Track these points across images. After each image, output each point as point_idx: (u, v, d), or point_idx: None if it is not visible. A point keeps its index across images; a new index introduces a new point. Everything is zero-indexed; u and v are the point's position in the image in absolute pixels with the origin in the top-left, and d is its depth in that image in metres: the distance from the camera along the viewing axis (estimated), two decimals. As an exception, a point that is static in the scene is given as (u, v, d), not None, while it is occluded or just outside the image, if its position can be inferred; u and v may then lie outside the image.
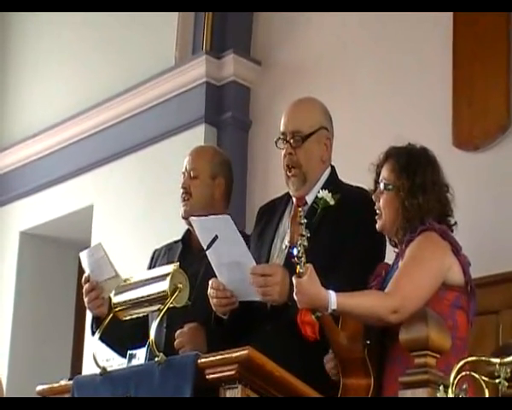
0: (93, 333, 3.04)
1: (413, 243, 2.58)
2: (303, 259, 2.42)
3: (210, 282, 2.80)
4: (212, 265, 2.77)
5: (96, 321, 3.03)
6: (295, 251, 2.41)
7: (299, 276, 2.43)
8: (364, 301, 2.48)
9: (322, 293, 2.43)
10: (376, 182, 2.74)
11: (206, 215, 2.88)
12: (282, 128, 2.96)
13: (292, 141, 2.91)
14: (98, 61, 5.28)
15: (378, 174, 2.74)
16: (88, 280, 3.00)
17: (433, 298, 2.52)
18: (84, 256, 3.01)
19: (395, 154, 2.71)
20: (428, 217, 2.61)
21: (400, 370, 2.38)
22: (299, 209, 2.47)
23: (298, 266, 2.43)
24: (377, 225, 2.70)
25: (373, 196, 2.72)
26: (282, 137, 2.95)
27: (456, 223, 2.70)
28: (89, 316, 3.24)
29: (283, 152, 2.94)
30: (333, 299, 2.43)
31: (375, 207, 2.71)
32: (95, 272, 2.98)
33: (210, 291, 2.79)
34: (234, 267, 2.72)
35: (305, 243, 2.41)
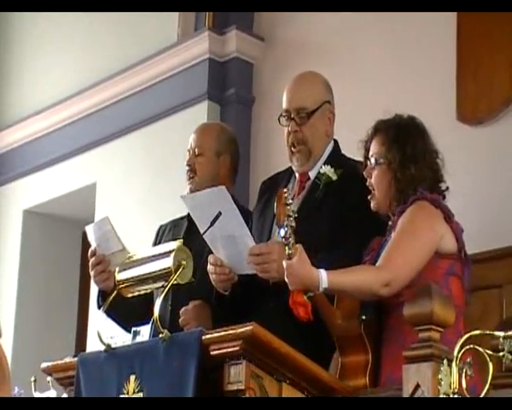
0: (99, 307, 3.05)
1: (405, 214, 2.57)
2: (291, 240, 2.40)
3: (208, 258, 2.80)
4: (207, 241, 2.76)
5: (103, 295, 3.03)
6: (282, 232, 2.40)
7: (289, 257, 2.42)
8: (356, 277, 2.47)
9: (312, 273, 2.42)
10: (366, 158, 2.72)
11: None
12: (285, 105, 2.94)
13: (297, 118, 2.89)
14: (100, 38, 5.26)
15: (367, 150, 2.71)
16: (94, 253, 3.00)
17: (427, 267, 2.51)
18: (90, 230, 3.00)
19: (384, 127, 2.69)
20: (421, 186, 2.60)
21: (398, 343, 2.38)
22: (285, 190, 2.46)
23: (286, 248, 2.41)
24: (372, 206, 2.68)
25: (364, 173, 2.70)
26: (285, 114, 2.92)
27: (447, 188, 2.68)
28: (93, 293, 3.26)
29: (287, 129, 2.92)
30: (324, 278, 2.42)
31: (368, 184, 2.68)
32: (101, 246, 2.98)
33: (209, 267, 2.80)
34: (229, 241, 2.72)
35: (293, 224, 2.39)
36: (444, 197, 2.66)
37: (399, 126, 2.66)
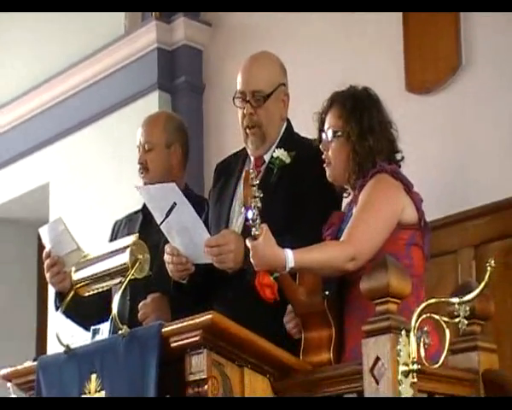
0: (57, 308, 3.03)
1: (366, 188, 2.57)
2: (258, 221, 2.38)
3: (165, 247, 2.78)
4: (164, 232, 2.76)
5: (60, 296, 3.01)
6: (250, 214, 2.37)
7: (255, 238, 2.41)
8: (321, 254, 2.47)
9: (278, 253, 2.41)
10: (321, 130, 2.70)
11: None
12: (240, 87, 2.89)
13: (252, 100, 2.86)
14: (47, 34, 5.19)
15: (323, 122, 2.70)
16: (49, 255, 2.98)
17: (389, 239, 2.51)
18: (44, 231, 2.98)
19: (340, 99, 2.67)
20: (379, 157, 2.61)
21: (360, 316, 2.39)
22: (251, 171, 2.44)
23: (253, 229, 2.40)
24: (327, 175, 2.68)
25: (320, 146, 2.70)
26: (240, 95, 2.88)
27: (403, 158, 2.68)
28: (51, 294, 3.24)
29: (242, 111, 2.89)
30: (290, 257, 2.41)
31: (324, 157, 2.68)
32: (56, 247, 2.96)
33: (166, 257, 2.78)
34: (184, 233, 2.71)
35: (259, 205, 2.37)
36: (399, 167, 2.67)
37: (355, 98, 2.65)
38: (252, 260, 2.43)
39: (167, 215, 2.73)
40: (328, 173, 2.68)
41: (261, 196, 2.38)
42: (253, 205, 2.37)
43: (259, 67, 2.92)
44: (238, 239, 2.67)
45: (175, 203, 2.72)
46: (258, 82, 2.87)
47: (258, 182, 2.40)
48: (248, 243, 2.43)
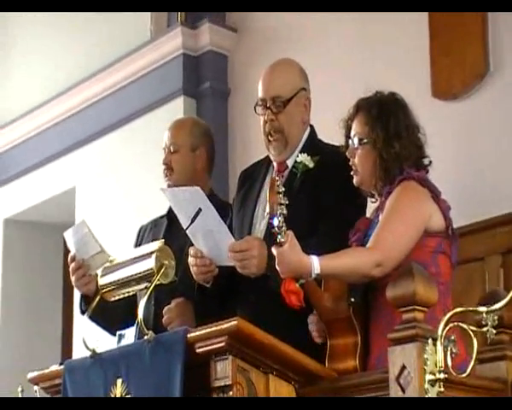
0: (82, 312, 3.04)
1: (393, 194, 2.56)
2: (283, 228, 2.38)
3: (189, 250, 2.79)
4: (189, 235, 2.76)
5: (85, 299, 3.03)
6: (276, 221, 2.37)
7: (280, 245, 2.40)
8: (347, 260, 2.46)
9: (304, 259, 2.40)
10: (348, 137, 2.70)
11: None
12: (260, 94, 2.92)
13: (273, 107, 2.87)
14: (72, 41, 5.23)
15: (349, 128, 2.69)
16: (74, 259, 2.99)
17: (415, 246, 2.50)
18: (68, 235, 3.00)
19: (365, 105, 2.66)
20: (406, 163, 2.59)
21: (385, 324, 2.38)
22: (277, 178, 2.44)
23: (279, 236, 2.39)
24: (354, 181, 2.67)
25: (347, 153, 2.69)
26: (261, 103, 2.90)
27: (431, 162, 2.67)
28: (77, 298, 3.25)
29: (263, 118, 2.90)
30: (316, 264, 2.40)
31: (351, 164, 2.67)
32: (80, 250, 2.97)
33: (189, 259, 2.79)
34: (209, 236, 2.72)
35: (285, 212, 2.37)
36: (427, 172, 2.65)
37: (381, 104, 2.64)
38: (277, 267, 2.43)
39: (193, 220, 2.74)
40: (355, 180, 2.67)
41: (287, 202, 2.38)
42: (278, 212, 2.37)
43: (278, 74, 2.93)
44: (261, 245, 2.68)
45: (200, 209, 2.73)
46: (277, 88, 2.89)
47: (283, 189, 2.40)
48: (274, 250, 2.42)
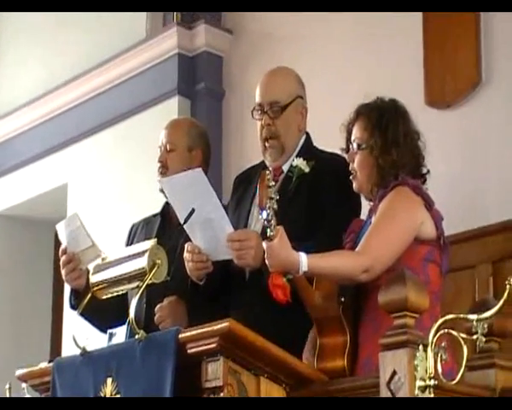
0: (71, 306, 3.03)
1: (385, 199, 2.57)
2: (273, 222, 2.39)
3: (186, 245, 2.79)
4: (186, 229, 2.75)
5: (75, 293, 3.02)
6: (264, 214, 2.39)
7: (270, 239, 2.42)
8: (335, 262, 2.47)
9: (292, 255, 2.42)
10: (348, 141, 2.72)
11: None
12: (258, 99, 2.93)
13: (270, 112, 2.88)
14: (69, 36, 5.22)
15: (350, 132, 2.71)
16: (65, 252, 2.98)
17: (406, 253, 2.51)
18: (60, 228, 2.98)
19: (365, 111, 2.68)
20: (403, 171, 2.60)
21: (374, 327, 2.39)
22: (267, 172, 2.45)
23: (268, 230, 2.41)
24: (354, 186, 2.69)
25: (346, 157, 2.71)
26: (258, 108, 2.92)
27: (429, 171, 2.68)
28: (67, 295, 3.24)
29: (260, 123, 2.91)
30: (304, 261, 2.42)
31: (350, 168, 2.69)
32: (71, 244, 2.96)
33: (186, 255, 2.79)
34: (207, 225, 2.72)
35: (275, 206, 2.38)
36: (425, 181, 2.66)
37: (381, 110, 2.66)
38: (266, 260, 2.44)
39: (186, 221, 2.74)
40: (354, 185, 2.69)
41: (277, 197, 2.40)
42: (268, 206, 2.38)
43: (276, 79, 2.95)
44: (260, 238, 2.69)
45: (193, 209, 2.73)
46: (275, 93, 2.90)
47: (273, 183, 2.41)
48: (263, 243, 2.44)
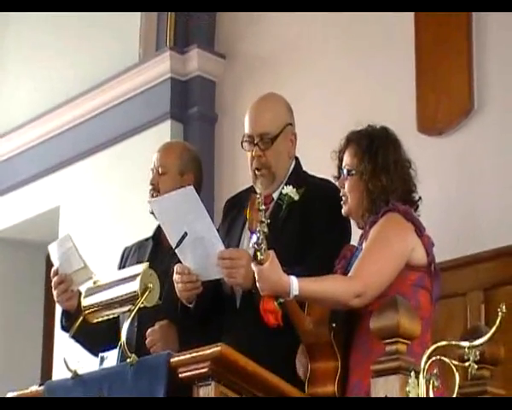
0: (62, 328, 3.02)
1: (376, 225, 2.58)
2: (263, 245, 2.40)
3: (175, 267, 2.79)
4: (177, 252, 2.75)
5: (66, 315, 3.01)
6: (254, 238, 2.39)
7: (261, 263, 2.42)
8: (327, 287, 2.47)
9: (283, 279, 2.42)
10: (340, 168, 2.74)
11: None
12: (247, 130, 2.93)
13: (260, 143, 2.89)
14: (62, 60, 5.24)
15: (341, 160, 2.73)
16: (57, 273, 2.98)
17: (396, 278, 2.52)
18: (53, 248, 2.98)
19: (356, 138, 2.70)
20: (393, 197, 2.62)
21: (365, 352, 2.39)
22: (257, 196, 2.46)
23: (258, 253, 2.41)
24: (343, 211, 2.70)
25: (337, 183, 2.72)
26: (248, 139, 2.91)
27: (420, 198, 2.70)
28: (58, 317, 3.23)
29: (251, 154, 2.92)
30: (295, 285, 2.42)
31: (341, 194, 2.71)
32: (63, 265, 2.96)
33: (175, 276, 2.78)
34: (198, 244, 2.72)
35: (265, 230, 2.39)
36: (417, 207, 2.67)
37: (371, 137, 2.68)
38: (257, 284, 2.44)
39: (178, 245, 2.74)
40: (343, 209, 2.70)
41: (268, 221, 2.40)
42: (258, 229, 2.38)
43: (265, 110, 2.95)
44: (251, 258, 2.68)
45: (186, 233, 2.73)
46: (264, 124, 2.90)
47: (264, 207, 2.42)
48: (254, 266, 2.43)
